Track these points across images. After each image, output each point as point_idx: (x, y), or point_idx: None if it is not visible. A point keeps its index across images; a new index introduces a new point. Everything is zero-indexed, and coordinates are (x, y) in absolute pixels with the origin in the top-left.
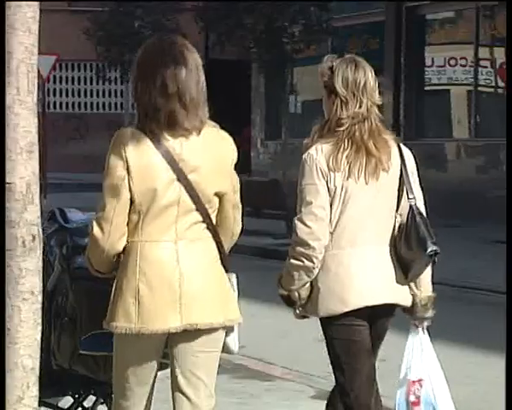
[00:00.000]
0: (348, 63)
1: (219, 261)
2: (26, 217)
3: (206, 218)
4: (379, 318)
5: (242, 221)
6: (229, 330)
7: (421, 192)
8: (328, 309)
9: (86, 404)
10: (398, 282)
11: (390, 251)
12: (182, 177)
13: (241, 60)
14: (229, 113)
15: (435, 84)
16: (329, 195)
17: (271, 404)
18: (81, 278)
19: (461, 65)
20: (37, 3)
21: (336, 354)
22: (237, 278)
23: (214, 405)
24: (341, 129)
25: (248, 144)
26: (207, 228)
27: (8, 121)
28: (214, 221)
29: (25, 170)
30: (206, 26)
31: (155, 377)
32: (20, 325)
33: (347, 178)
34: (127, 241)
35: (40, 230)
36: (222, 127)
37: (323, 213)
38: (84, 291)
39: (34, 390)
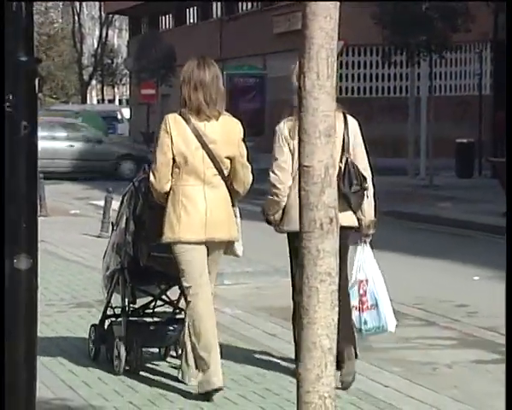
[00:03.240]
0: None
1: (229, 199)
2: (324, 200)
3: (220, 172)
4: None
5: None
6: (234, 241)
7: (363, 151)
8: (290, 227)
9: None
10: (340, 210)
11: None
12: (204, 146)
13: None
14: None
15: None
16: (291, 153)
17: None
18: (153, 207)
19: None
20: None
21: (290, 259)
22: (239, 209)
23: (214, 284)
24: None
25: (501, 129)
26: (222, 179)
27: (307, 106)
28: (227, 175)
29: (323, 153)
30: (496, 9)
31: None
32: (318, 305)
33: None
34: (174, 185)
35: (337, 212)
36: None
37: (286, 166)
38: (154, 215)
39: (331, 370)
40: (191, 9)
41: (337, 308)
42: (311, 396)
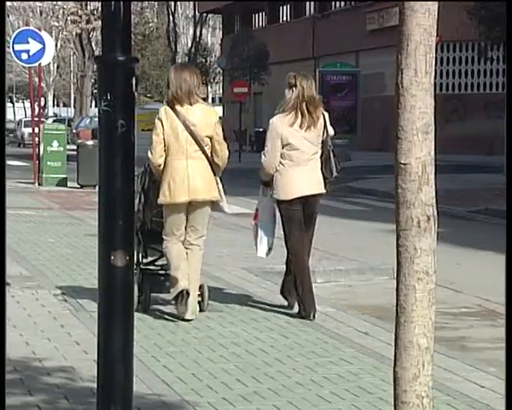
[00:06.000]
0: (303, 76)
1: (210, 169)
2: (421, 197)
3: (201, 148)
4: (308, 203)
5: None
6: (218, 201)
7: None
8: (280, 196)
9: None
10: (319, 183)
11: (316, 169)
12: (187, 128)
13: None
14: None
15: None
16: (282, 143)
17: None
18: (155, 182)
19: None
20: None
21: (283, 226)
22: (221, 179)
23: (204, 238)
24: (289, 106)
25: None
26: (203, 153)
27: (404, 102)
28: (208, 151)
29: (420, 151)
30: None
31: (185, 229)
32: (415, 304)
33: (292, 133)
34: (166, 159)
35: (435, 210)
36: None
37: (272, 153)
38: (155, 188)
39: (429, 369)
40: (284, 7)
41: (434, 307)
42: (408, 396)
